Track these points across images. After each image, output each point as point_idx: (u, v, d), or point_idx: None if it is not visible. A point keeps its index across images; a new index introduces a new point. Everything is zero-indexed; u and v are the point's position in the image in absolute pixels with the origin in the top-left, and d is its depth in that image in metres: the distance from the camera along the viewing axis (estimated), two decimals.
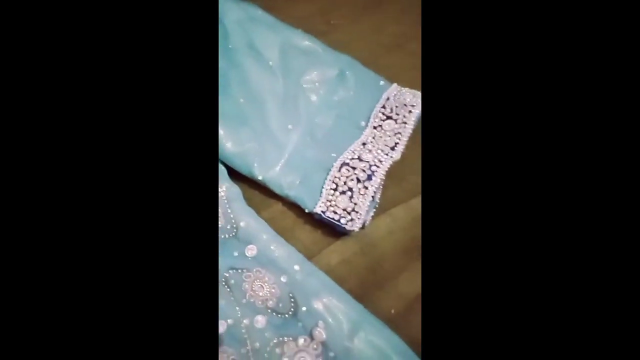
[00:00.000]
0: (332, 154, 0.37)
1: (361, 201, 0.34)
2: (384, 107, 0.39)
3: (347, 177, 0.35)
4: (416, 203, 0.37)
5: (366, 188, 0.34)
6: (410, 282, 0.33)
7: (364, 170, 0.35)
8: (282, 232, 0.34)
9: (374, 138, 0.38)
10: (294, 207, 0.36)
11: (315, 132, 0.39)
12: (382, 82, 0.41)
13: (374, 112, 0.39)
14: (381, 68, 0.42)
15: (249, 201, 0.35)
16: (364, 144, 0.37)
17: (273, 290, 0.31)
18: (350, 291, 0.31)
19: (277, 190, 0.36)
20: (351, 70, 0.41)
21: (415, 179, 0.38)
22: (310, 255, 0.34)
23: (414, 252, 0.35)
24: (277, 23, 0.43)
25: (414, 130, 0.38)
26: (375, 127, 0.38)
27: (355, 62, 0.42)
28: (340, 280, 0.32)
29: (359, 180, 0.35)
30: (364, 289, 0.33)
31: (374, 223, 0.36)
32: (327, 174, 0.36)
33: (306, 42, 0.42)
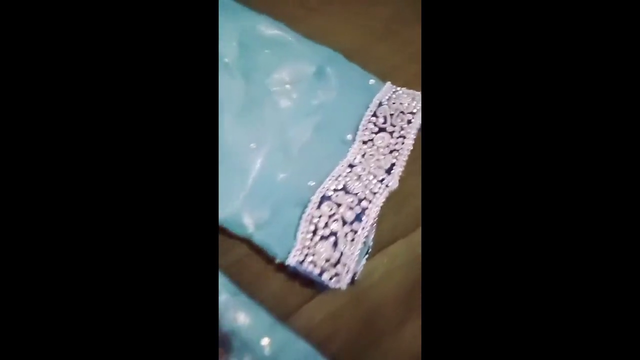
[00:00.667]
0: (310, 182, 0.31)
1: (349, 249, 0.28)
2: (375, 115, 0.34)
3: (329, 216, 0.30)
4: (419, 235, 0.32)
5: (355, 232, 0.29)
6: (415, 336, 0.30)
7: (351, 208, 0.30)
8: (248, 284, 0.29)
9: (363, 157, 0.32)
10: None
11: (288, 149, 0.33)
12: (372, 81, 0.36)
13: (363, 122, 0.34)
14: (371, 61, 0.38)
15: None
16: (350, 166, 0.32)
17: None
18: (339, 354, 0.28)
19: (238, 232, 0.31)
20: (333, 66, 0.36)
21: (417, 203, 0.33)
22: (285, 313, 0.29)
23: (419, 298, 0.30)
24: (236, 7, 0.37)
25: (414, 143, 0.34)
26: (364, 142, 0.33)
27: (337, 56, 0.37)
28: (326, 341, 0.28)
29: (344, 222, 0.29)
30: (356, 349, 0.29)
31: (367, 264, 0.31)
32: (303, 210, 0.30)
33: (274, 30, 0.37)
